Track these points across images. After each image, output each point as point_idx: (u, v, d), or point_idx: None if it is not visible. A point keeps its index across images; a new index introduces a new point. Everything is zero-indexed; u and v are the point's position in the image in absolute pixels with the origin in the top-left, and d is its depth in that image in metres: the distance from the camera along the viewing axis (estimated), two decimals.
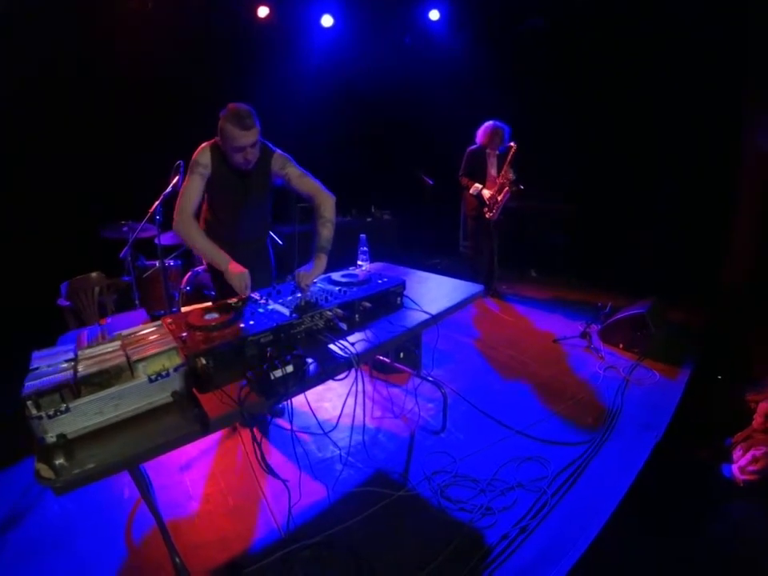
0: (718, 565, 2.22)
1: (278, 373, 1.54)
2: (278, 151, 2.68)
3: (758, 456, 2.63)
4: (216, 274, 2.63)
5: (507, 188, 5.05)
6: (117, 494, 2.54)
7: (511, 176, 5.02)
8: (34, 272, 4.32)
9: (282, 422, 3.06)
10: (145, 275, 4.28)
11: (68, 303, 3.58)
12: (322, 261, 2.37)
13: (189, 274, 4.24)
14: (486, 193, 5.14)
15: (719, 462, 2.85)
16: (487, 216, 5.21)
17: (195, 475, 2.70)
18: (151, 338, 1.75)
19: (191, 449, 2.85)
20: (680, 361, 3.96)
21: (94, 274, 3.64)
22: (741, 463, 2.70)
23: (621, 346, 4.25)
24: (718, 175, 5.17)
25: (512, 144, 5.04)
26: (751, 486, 2.60)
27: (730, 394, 3.38)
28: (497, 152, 5.20)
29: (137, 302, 4.03)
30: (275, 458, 2.83)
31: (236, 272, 2.21)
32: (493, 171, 5.24)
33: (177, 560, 1.95)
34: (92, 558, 2.16)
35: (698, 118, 5.17)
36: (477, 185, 5.18)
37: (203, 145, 2.53)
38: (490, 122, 5.10)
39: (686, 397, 3.44)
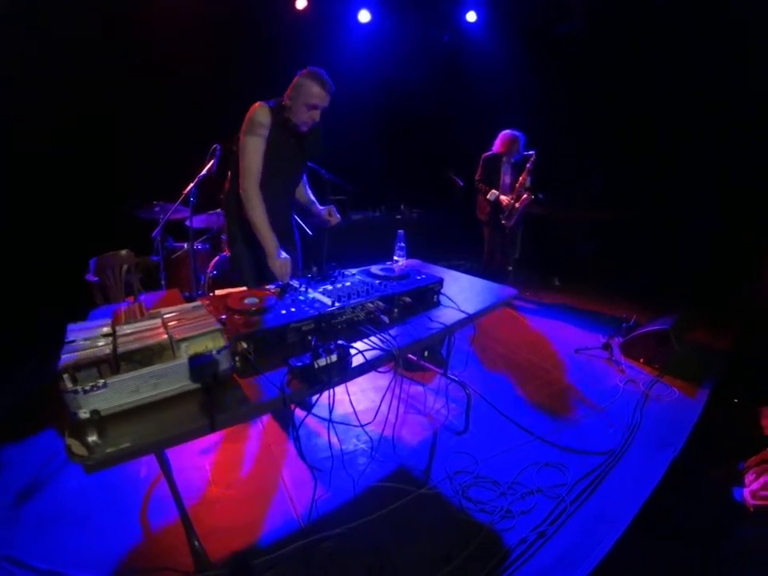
0: None
1: (322, 362, 1.54)
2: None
3: None
4: (238, 259, 2.70)
5: (526, 195, 5.04)
6: (134, 474, 2.56)
7: (529, 184, 5.03)
8: (64, 248, 4.36)
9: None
10: (173, 257, 4.30)
11: (95, 279, 3.60)
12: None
13: (216, 258, 4.24)
14: (504, 198, 5.13)
15: (731, 484, 2.81)
16: (503, 223, 5.20)
17: (215, 460, 2.71)
18: (192, 318, 1.74)
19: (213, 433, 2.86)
20: (700, 379, 3.90)
21: (123, 252, 3.65)
22: (753, 487, 2.66)
23: (642, 360, 4.21)
24: (755, 190, 5.08)
25: (531, 152, 5.04)
26: (762, 511, 2.57)
27: (747, 417, 3.34)
28: (512, 160, 5.20)
29: (163, 282, 4.05)
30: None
31: (280, 258, 2.23)
32: (506, 178, 5.24)
33: (196, 543, 1.95)
34: (107, 535, 2.17)
35: (735, 128, 5.09)
36: (494, 191, 5.17)
37: (257, 104, 2.48)
38: (508, 131, 5.12)
39: (703, 416, 3.40)
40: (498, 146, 5.19)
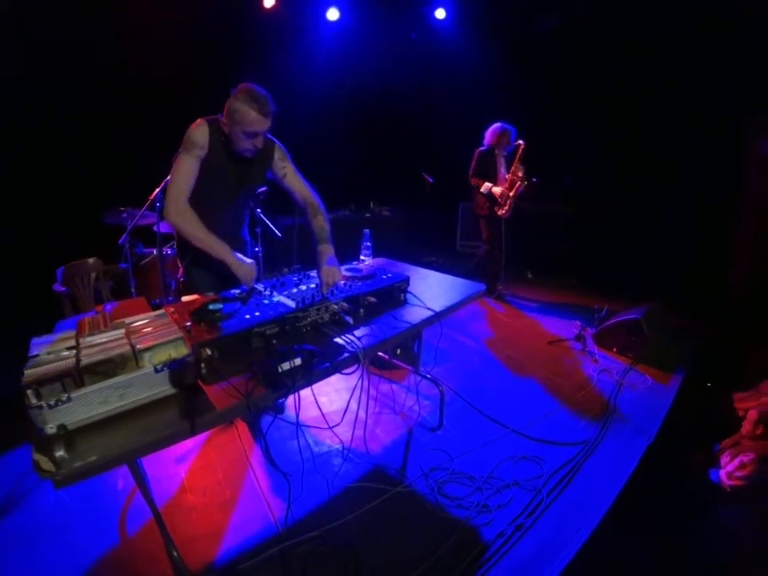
0: (706, 566, 2.25)
1: (286, 365, 1.53)
2: (278, 143, 2.52)
3: (745, 462, 2.66)
4: (188, 266, 2.53)
5: (519, 183, 5.09)
6: (111, 486, 2.52)
7: (521, 173, 5.08)
8: (31, 257, 4.27)
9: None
10: (142, 263, 4.24)
11: (64, 289, 3.53)
12: (332, 253, 2.29)
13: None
14: (497, 190, 5.16)
15: (707, 466, 2.87)
16: (499, 213, 5.24)
17: (191, 467, 2.68)
18: (156, 327, 1.73)
19: (187, 441, 2.82)
20: (673, 367, 3.98)
21: (90, 260, 3.59)
22: (728, 469, 2.73)
23: (615, 349, 4.28)
24: (723, 182, 5.20)
25: (520, 142, 5.09)
26: (737, 491, 2.63)
27: (720, 401, 3.42)
28: (504, 152, 5.25)
29: (133, 289, 3.99)
30: (274, 451, 2.81)
31: (243, 263, 2.16)
32: (503, 170, 5.29)
33: (174, 553, 1.93)
34: (87, 549, 2.14)
35: (704, 123, 5.21)
36: (487, 183, 5.20)
37: (199, 121, 2.26)
38: (498, 124, 5.15)
39: (677, 402, 3.47)
40: (488, 138, 5.21)
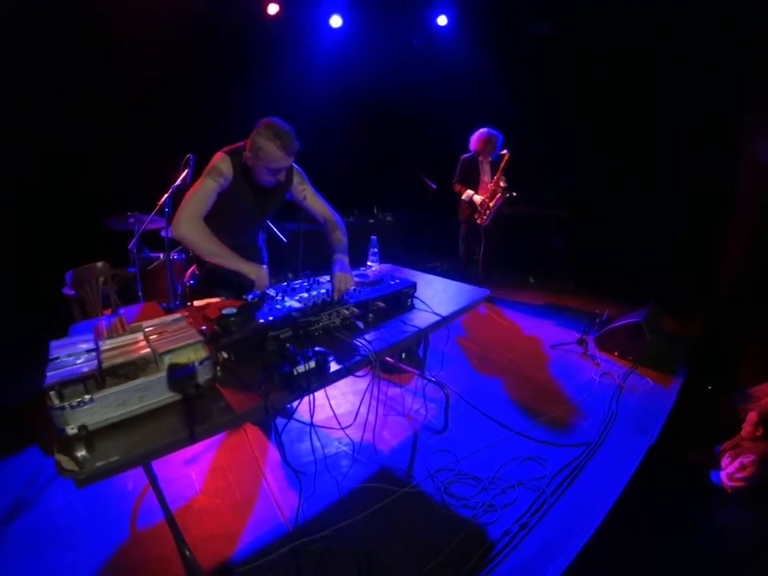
0: (706, 566, 2.29)
1: (301, 368, 1.58)
2: (296, 166, 2.57)
3: (746, 464, 2.69)
4: (206, 273, 2.57)
5: (499, 194, 5.06)
6: (120, 487, 2.55)
7: (503, 184, 5.03)
8: (39, 261, 4.31)
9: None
10: (149, 267, 4.28)
11: (72, 293, 3.57)
12: (346, 261, 2.38)
13: (192, 267, 4.23)
14: (478, 198, 5.18)
15: (708, 468, 2.91)
16: (478, 221, 5.25)
17: (200, 469, 2.72)
18: (173, 330, 1.77)
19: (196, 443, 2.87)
20: (673, 369, 4.03)
21: (99, 264, 3.63)
22: (729, 470, 2.75)
23: (616, 353, 4.32)
24: (719, 183, 5.24)
25: (505, 152, 5.05)
26: (738, 493, 2.66)
27: (720, 402, 3.45)
28: (490, 159, 5.22)
29: (140, 293, 4.03)
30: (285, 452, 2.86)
31: (256, 269, 2.22)
32: (486, 178, 5.27)
33: (187, 553, 1.95)
34: (96, 551, 2.17)
35: (699, 126, 5.25)
36: (469, 191, 5.24)
37: (222, 152, 2.32)
38: (484, 129, 5.12)
39: (678, 404, 3.51)
40: (473, 144, 5.20)
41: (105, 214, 4.25)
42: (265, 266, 2.24)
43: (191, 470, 2.70)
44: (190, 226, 2.17)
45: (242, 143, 2.33)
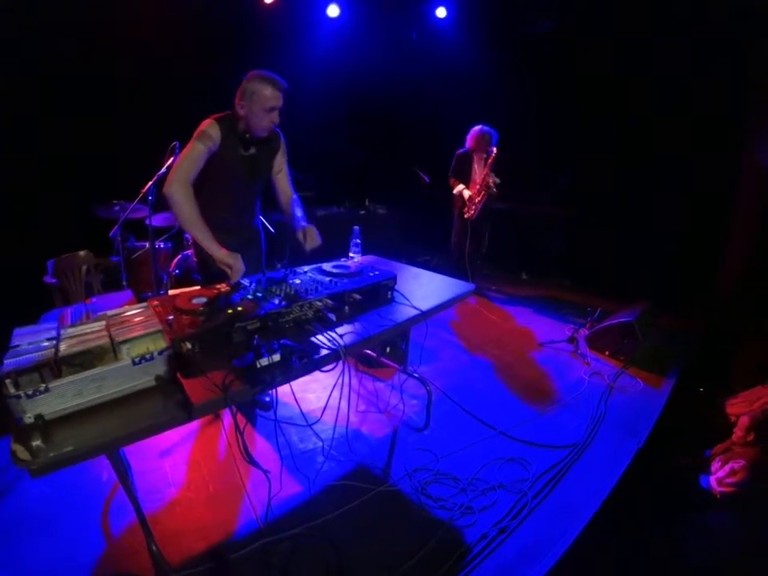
0: (691, 570, 2.24)
1: (265, 361, 1.52)
2: (283, 139, 2.68)
3: (736, 468, 2.65)
4: (204, 259, 2.54)
5: (484, 192, 5.17)
6: (95, 478, 2.50)
7: (492, 180, 5.10)
8: (23, 249, 4.25)
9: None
10: (134, 256, 4.23)
11: (54, 281, 3.53)
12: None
13: (179, 257, 4.19)
14: (467, 193, 5.30)
15: (698, 472, 2.87)
16: (466, 216, 5.35)
17: (175, 461, 2.67)
18: (136, 319, 1.71)
19: (172, 434, 2.82)
20: (665, 370, 3.98)
21: (81, 253, 3.60)
22: (719, 475, 2.72)
23: (607, 352, 4.26)
24: (717, 185, 5.19)
25: (493, 149, 5.10)
26: (727, 497, 2.62)
27: (712, 406, 3.41)
28: (484, 155, 5.27)
29: (124, 282, 3.98)
30: (258, 447, 2.82)
31: (230, 256, 2.16)
32: (478, 174, 5.34)
33: (153, 548, 1.91)
34: (69, 543, 2.13)
35: (699, 126, 5.18)
36: (460, 186, 5.35)
37: (210, 119, 2.39)
38: (478, 127, 5.21)
39: (668, 406, 3.46)
40: (468, 141, 5.29)
41: (92, 202, 4.18)
42: (237, 255, 2.17)
43: (165, 462, 2.65)
44: (179, 185, 2.23)
45: (228, 112, 2.44)
